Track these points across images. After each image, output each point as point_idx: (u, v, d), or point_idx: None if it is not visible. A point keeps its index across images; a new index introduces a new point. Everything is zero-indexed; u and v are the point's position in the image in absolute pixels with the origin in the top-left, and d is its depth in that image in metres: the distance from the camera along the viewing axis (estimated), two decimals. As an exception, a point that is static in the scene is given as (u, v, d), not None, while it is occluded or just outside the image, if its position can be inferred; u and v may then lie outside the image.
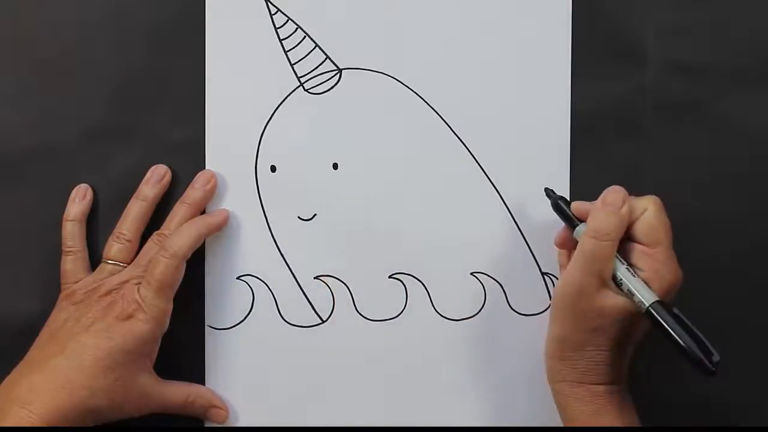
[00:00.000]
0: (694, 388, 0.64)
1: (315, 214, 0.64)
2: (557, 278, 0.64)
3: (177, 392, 0.61)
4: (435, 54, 0.63)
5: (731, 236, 0.64)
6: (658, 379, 0.64)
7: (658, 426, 0.64)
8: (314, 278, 0.64)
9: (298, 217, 0.64)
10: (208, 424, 0.64)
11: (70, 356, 0.57)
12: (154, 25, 0.63)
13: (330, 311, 0.64)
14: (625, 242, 0.57)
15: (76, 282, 0.61)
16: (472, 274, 0.64)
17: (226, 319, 0.64)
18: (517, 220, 0.64)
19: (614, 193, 0.57)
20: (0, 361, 0.59)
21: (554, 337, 0.58)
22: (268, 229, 0.64)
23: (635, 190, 0.63)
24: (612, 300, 0.55)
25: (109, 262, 0.61)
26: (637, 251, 0.56)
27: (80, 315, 0.59)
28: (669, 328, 0.53)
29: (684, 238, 0.64)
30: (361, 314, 0.64)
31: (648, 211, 0.57)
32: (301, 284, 0.64)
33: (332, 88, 0.63)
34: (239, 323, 0.64)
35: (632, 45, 0.63)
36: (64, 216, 0.63)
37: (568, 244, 0.60)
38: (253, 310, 0.64)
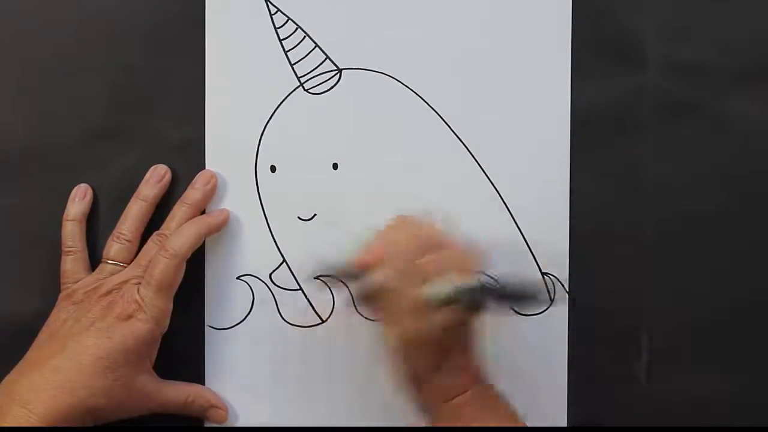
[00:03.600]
0: (694, 388, 0.64)
1: (315, 214, 0.64)
2: (558, 278, 0.64)
3: (177, 392, 0.61)
4: (435, 54, 0.63)
5: (731, 236, 0.64)
6: (658, 379, 0.64)
7: (659, 426, 0.64)
8: (314, 278, 0.64)
9: (298, 217, 0.64)
10: (208, 424, 0.64)
11: (69, 356, 0.57)
12: (154, 25, 0.63)
13: (330, 311, 0.64)
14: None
15: (76, 282, 0.61)
16: (472, 274, 0.64)
17: (226, 319, 0.64)
18: (517, 220, 0.64)
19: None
20: (0, 361, 0.59)
21: (409, 375, 0.57)
22: (268, 229, 0.64)
23: (635, 190, 0.64)
24: (439, 315, 0.54)
25: (109, 262, 0.61)
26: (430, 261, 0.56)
27: (80, 315, 0.59)
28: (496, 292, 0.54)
29: (684, 238, 0.64)
30: (361, 314, 0.64)
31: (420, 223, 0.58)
32: (301, 284, 0.64)
33: (332, 88, 0.63)
34: (239, 323, 0.64)
35: (632, 45, 0.63)
36: (64, 216, 0.63)
37: None
38: (253, 310, 0.64)
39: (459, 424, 0.55)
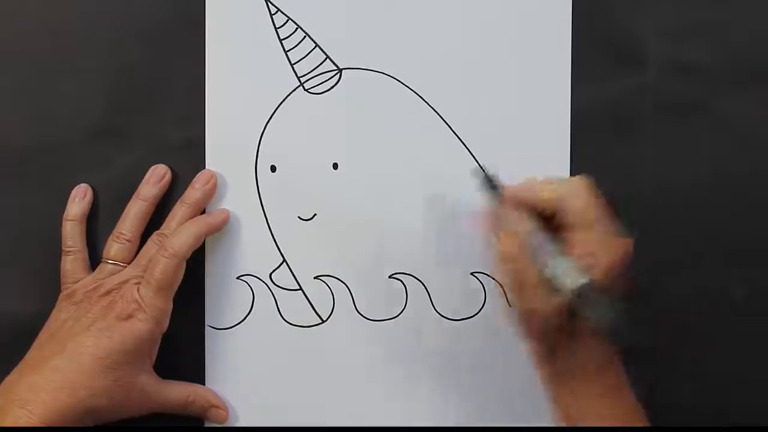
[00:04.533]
0: (694, 388, 0.64)
1: (315, 214, 0.64)
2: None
3: (177, 392, 0.61)
4: (435, 54, 0.63)
5: (731, 236, 0.64)
6: (658, 379, 0.64)
7: (659, 426, 0.64)
8: (314, 278, 0.64)
9: (298, 217, 0.64)
10: (208, 424, 0.64)
11: (69, 356, 0.57)
12: (154, 25, 0.63)
13: (330, 311, 0.64)
14: (560, 231, 0.55)
15: (76, 282, 0.61)
16: (472, 274, 0.64)
17: (226, 319, 0.64)
18: (517, 220, 0.64)
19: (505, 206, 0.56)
20: (0, 361, 0.59)
21: (537, 366, 0.57)
22: (268, 229, 0.64)
23: (635, 190, 0.64)
24: (558, 298, 0.53)
25: (109, 262, 0.61)
26: (571, 238, 0.54)
27: (80, 315, 0.59)
28: (593, 309, 0.52)
29: (684, 237, 0.64)
30: (361, 314, 0.64)
31: (573, 194, 0.55)
32: (301, 284, 0.64)
33: (332, 88, 0.63)
34: (239, 323, 0.64)
35: (632, 45, 0.63)
36: (64, 216, 0.63)
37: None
38: (253, 310, 0.64)
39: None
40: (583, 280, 0.53)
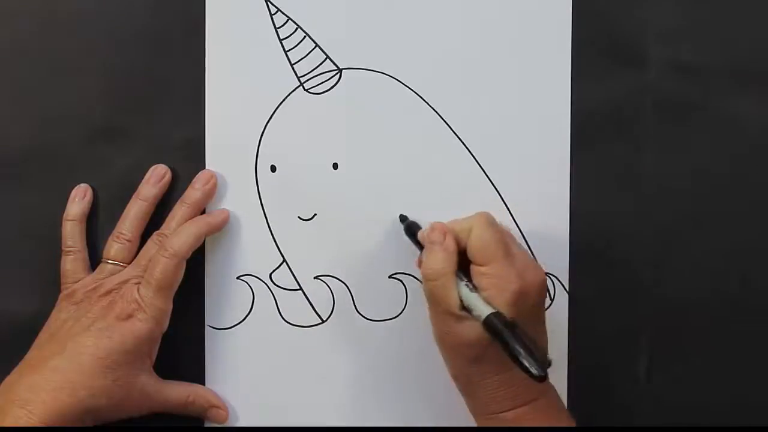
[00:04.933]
0: (694, 388, 0.64)
1: (315, 214, 0.64)
2: (558, 278, 0.64)
3: (177, 392, 0.61)
4: (435, 54, 0.63)
5: (731, 236, 0.64)
6: (658, 379, 0.64)
7: (659, 426, 0.64)
8: (314, 278, 0.64)
9: (298, 217, 0.64)
10: (208, 424, 0.64)
11: (69, 356, 0.57)
12: (154, 25, 0.63)
13: (330, 311, 0.64)
14: (468, 264, 0.56)
15: (76, 282, 0.61)
16: (472, 274, 0.64)
17: (226, 319, 0.64)
18: (517, 220, 0.64)
19: (431, 232, 0.57)
20: (0, 361, 0.59)
21: (450, 375, 0.58)
22: (268, 229, 0.64)
23: (635, 190, 0.64)
24: (471, 328, 0.54)
25: (109, 262, 0.61)
26: (475, 272, 0.56)
27: (80, 315, 0.59)
28: (501, 338, 0.52)
29: (684, 237, 0.64)
30: (361, 314, 0.64)
31: (473, 231, 0.56)
32: (301, 284, 0.64)
33: (332, 88, 0.63)
34: (239, 323, 0.64)
35: (632, 45, 0.63)
36: (64, 216, 0.63)
37: None
38: (253, 310, 0.64)
39: None
40: (489, 311, 0.53)
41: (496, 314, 0.53)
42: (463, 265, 0.56)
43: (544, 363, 0.50)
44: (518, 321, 0.53)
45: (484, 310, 0.53)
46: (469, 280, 0.55)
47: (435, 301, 0.56)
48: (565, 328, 0.64)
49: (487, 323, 0.52)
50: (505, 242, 0.56)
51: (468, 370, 0.56)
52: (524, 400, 0.55)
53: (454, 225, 0.58)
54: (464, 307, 0.55)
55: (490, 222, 0.57)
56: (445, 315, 0.55)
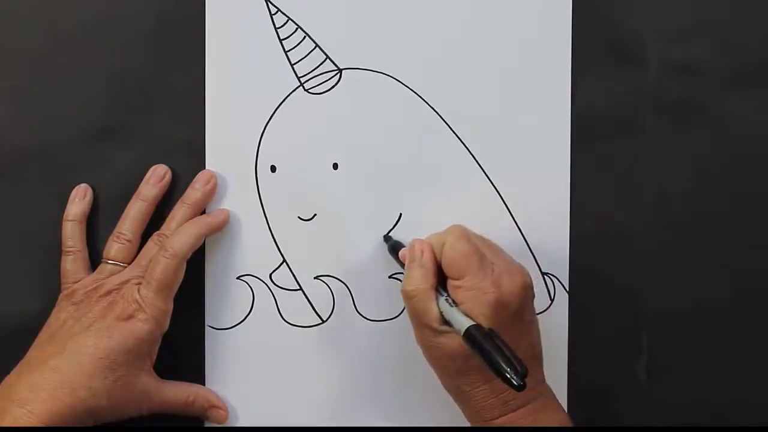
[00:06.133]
0: (694, 388, 0.64)
1: (315, 214, 0.64)
2: (558, 278, 0.64)
3: (177, 392, 0.61)
4: (435, 54, 0.63)
5: (731, 236, 0.64)
6: (658, 379, 0.64)
7: (659, 426, 0.64)
8: (314, 278, 0.64)
9: (298, 217, 0.64)
10: (208, 424, 0.64)
11: (69, 356, 0.57)
12: (154, 25, 0.63)
13: (330, 311, 0.64)
14: (445, 278, 0.57)
15: (76, 282, 0.61)
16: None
17: (226, 319, 0.64)
18: (517, 220, 0.64)
19: (410, 250, 0.58)
20: (0, 361, 0.59)
21: (442, 385, 0.58)
22: (268, 229, 0.64)
23: (635, 190, 0.64)
24: (452, 340, 0.55)
25: (109, 262, 0.61)
26: (451, 286, 0.56)
27: (80, 315, 0.59)
28: (480, 349, 0.52)
29: (684, 238, 0.64)
30: (361, 314, 0.64)
31: (446, 245, 0.57)
32: (301, 284, 0.64)
33: (332, 88, 0.63)
34: (239, 323, 0.64)
35: (632, 45, 0.63)
36: (64, 216, 0.62)
37: None
38: (253, 310, 0.64)
39: None
40: (468, 323, 0.53)
41: (475, 326, 0.53)
42: (442, 280, 0.57)
43: (523, 372, 0.50)
44: (499, 330, 0.53)
45: (463, 322, 0.53)
46: (449, 295, 0.56)
47: (416, 316, 0.56)
48: (565, 328, 0.64)
49: (466, 336, 0.53)
50: (479, 253, 0.57)
51: (456, 382, 0.56)
52: (517, 405, 0.56)
53: (431, 240, 0.58)
54: (445, 321, 0.55)
55: (462, 235, 0.57)
56: (426, 330, 0.56)
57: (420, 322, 0.56)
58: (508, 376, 0.50)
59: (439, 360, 0.56)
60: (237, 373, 0.64)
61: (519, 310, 0.56)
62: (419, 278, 0.57)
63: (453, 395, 0.58)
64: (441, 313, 0.55)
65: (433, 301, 0.56)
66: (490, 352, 0.51)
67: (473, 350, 0.52)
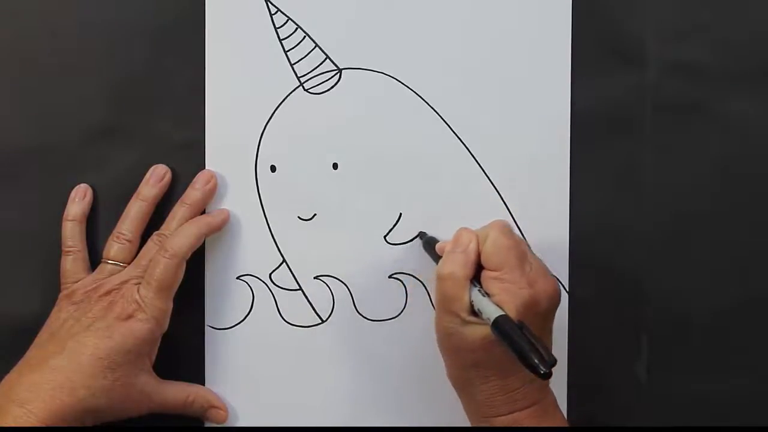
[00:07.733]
0: (694, 388, 0.64)
1: (315, 214, 0.64)
2: (558, 278, 0.64)
3: (177, 392, 0.61)
4: (435, 54, 0.63)
5: (731, 236, 0.64)
6: (658, 379, 0.64)
7: (659, 426, 0.64)
8: (314, 278, 0.64)
9: (298, 217, 0.64)
10: (208, 424, 0.64)
11: (69, 356, 0.57)
12: (154, 25, 0.63)
13: (330, 311, 0.64)
14: (481, 270, 0.57)
15: (76, 282, 0.61)
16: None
17: (226, 319, 0.64)
18: (517, 220, 0.64)
19: (458, 238, 0.57)
20: (0, 361, 0.59)
21: (448, 375, 0.58)
22: (268, 229, 0.64)
23: (635, 190, 0.64)
24: (476, 331, 0.54)
25: (109, 262, 0.61)
26: (487, 277, 0.56)
27: (80, 315, 0.59)
28: (509, 339, 0.52)
29: (684, 238, 0.64)
30: (361, 314, 0.64)
31: (489, 237, 0.56)
32: (301, 284, 0.64)
33: (332, 88, 0.63)
34: (239, 323, 0.64)
35: (632, 45, 0.63)
36: (64, 216, 0.63)
37: None
38: (253, 310, 0.64)
39: None
40: (498, 313, 0.53)
41: (505, 316, 0.53)
42: (476, 274, 0.56)
43: (551, 361, 0.50)
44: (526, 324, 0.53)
45: (493, 312, 0.53)
46: (482, 287, 0.56)
47: (444, 301, 0.56)
48: (566, 328, 0.64)
49: (496, 324, 0.52)
50: (519, 250, 0.56)
51: (468, 374, 0.56)
52: (522, 405, 0.56)
53: (470, 241, 0.58)
54: (473, 312, 0.55)
55: (507, 230, 0.57)
56: (453, 316, 0.55)
57: (447, 308, 0.56)
58: (536, 362, 0.50)
59: (456, 349, 0.56)
60: (237, 373, 0.64)
61: (545, 313, 0.56)
62: (459, 263, 0.56)
63: (458, 386, 0.58)
64: (471, 303, 0.55)
65: (466, 290, 0.55)
66: (518, 342, 0.51)
67: (501, 339, 0.52)
